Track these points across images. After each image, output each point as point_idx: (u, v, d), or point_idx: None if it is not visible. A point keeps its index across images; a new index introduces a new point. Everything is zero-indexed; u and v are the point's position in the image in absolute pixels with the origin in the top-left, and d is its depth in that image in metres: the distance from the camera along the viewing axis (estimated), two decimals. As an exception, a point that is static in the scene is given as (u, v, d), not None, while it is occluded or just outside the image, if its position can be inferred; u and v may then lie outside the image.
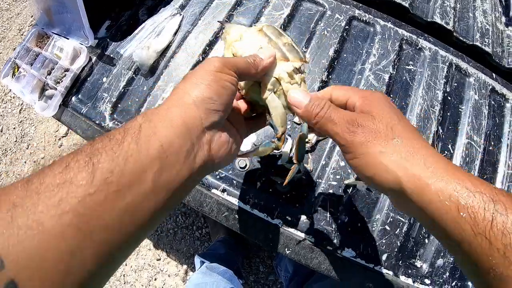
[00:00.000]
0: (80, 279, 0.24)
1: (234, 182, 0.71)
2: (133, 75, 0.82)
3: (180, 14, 0.86)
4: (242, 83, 0.47)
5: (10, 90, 1.82)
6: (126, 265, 1.54)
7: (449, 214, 0.30)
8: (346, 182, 0.71)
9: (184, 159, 0.32)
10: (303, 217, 0.69)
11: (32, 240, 0.22)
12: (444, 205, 0.30)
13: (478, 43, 0.89)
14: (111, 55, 0.86)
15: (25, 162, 1.77)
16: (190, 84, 0.35)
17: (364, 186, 0.70)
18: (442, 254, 0.69)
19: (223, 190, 0.70)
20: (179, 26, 0.85)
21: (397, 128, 0.35)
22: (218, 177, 0.72)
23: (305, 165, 0.71)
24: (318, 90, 0.77)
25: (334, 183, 0.71)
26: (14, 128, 1.86)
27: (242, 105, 0.49)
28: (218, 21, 0.77)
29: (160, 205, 0.29)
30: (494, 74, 0.88)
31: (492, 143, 0.81)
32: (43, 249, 0.22)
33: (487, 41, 0.90)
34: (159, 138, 0.30)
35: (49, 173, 0.25)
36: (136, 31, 0.84)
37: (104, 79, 0.84)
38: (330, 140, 0.74)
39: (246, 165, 0.72)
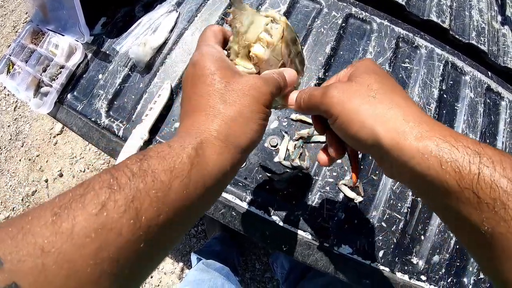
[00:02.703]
0: None
1: (231, 179, 0.71)
2: (129, 72, 0.82)
3: (177, 11, 0.85)
4: None
5: (5, 87, 1.80)
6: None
7: (431, 170, 0.28)
8: (342, 182, 0.71)
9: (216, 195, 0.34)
10: (300, 214, 0.69)
11: (68, 284, 0.20)
12: (425, 160, 0.28)
13: (474, 42, 0.89)
14: (107, 52, 0.86)
15: (20, 160, 1.76)
16: (244, 122, 0.33)
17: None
18: (438, 250, 0.70)
19: (220, 187, 0.70)
20: (176, 23, 0.84)
21: (376, 85, 0.34)
22: (214, 174, 0.72)
23: (301, 162, 0.71)
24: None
25: (331, 180, 0.71)
26: (8, 125, 1.85)
27: None
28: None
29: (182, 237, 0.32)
30: (489, 73, 0.88)
31: (488, 141, 0.81)
32: None
33: (483, 40, 0.91)
34: (206, 187, 0.29)
35: (81, 211, 0.22)
36: (132, 28, 0.83)
37: (100, 76, 0.84)
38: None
39: (243, 162, 0.72)
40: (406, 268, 0.69)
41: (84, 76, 0.86)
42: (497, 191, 0.24)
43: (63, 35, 0.90)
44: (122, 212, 0.23)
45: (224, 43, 0.42)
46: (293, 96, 0.42)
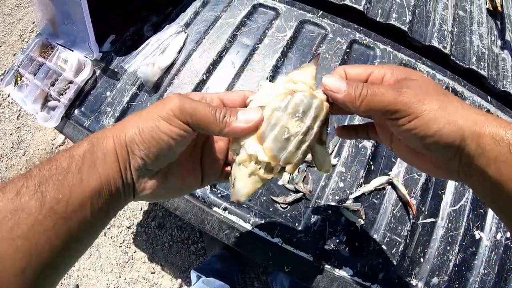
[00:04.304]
0: None
1: (235, 200, 0.72)
2: (137, 91, 0.83)
3: (185, 32, 0.87)
4: None
5: (9, 95, 1.81)
6: (120, 277, 1.54)
7: (503, 155, 0.30)
8: (344, 206, 0.72)
9: (115, 192, 0.34)
10: (303, 236, 0.70)
11: None
12: (498, 147, 0.30)
13: (474, 67, 0.91)
14: (115, 70, 0.87)
15: (21, 169, 1.76)
16: (132, 120, 0.34)
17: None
18: (437, 273, 0.71)
19: (225, 209, 0.72)
20: (184, 44, 0.86)
21: (437, 87, 0.35)
22: (219, 195, 0.73)
23: (305, 186, 0.73)
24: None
25: (333, 203, 0.72)
26: (11, 134, 1.86)
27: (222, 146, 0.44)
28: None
29: (98, 228, 0.34)
30: (489, 97, 0.90)
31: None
32: None
33: (483, 65, 0.93)
34: (99, 171, 0.32)
35: (1, 197, 0.27)
36: (141, 47, 0.85)
37: (108, 93, 0.85)
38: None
39: (247, 183, 0.73)
40: (405, 291, 0.70)
41: (92, 92, 0.87)
42: None
43: (72, 50, 0.91)
44: (32, 195, 0.28)
45: None
46: (332, 81, 0.37)
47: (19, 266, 0.26)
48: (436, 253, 0.72)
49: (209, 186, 0.73)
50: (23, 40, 2.07)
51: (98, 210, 0.32)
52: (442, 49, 0.90)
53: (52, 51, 0.95)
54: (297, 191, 0.72)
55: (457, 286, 0.71)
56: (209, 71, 0.83)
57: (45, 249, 0.28)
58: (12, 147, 1.82)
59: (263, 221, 0.71)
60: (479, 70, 0.91)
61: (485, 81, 0.92)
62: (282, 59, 0.84)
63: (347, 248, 0.71)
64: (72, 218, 0.30)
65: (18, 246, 0.26)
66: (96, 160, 0.32)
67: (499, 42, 1.05)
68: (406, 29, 0.89)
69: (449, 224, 0.74)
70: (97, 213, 0.32)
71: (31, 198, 0.28)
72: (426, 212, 0.75)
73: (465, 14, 1.02)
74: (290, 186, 0.72)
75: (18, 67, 0.98)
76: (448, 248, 0.73)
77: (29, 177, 0.29)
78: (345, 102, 0.36)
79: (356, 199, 0.73)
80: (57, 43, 0.96)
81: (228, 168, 0.44)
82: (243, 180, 0.37)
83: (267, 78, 0.80)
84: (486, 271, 0.72)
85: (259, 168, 0.37)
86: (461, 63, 0.91)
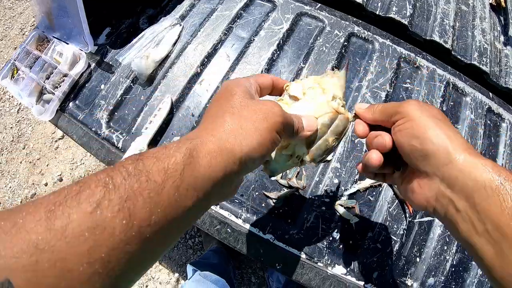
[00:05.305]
0: None
1: (228, 195, 0.71)
2: (131, 84, 0.82)
3: (180, 25, 0.86)
4: None
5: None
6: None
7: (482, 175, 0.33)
8: (338, 203, 0.71)
9: (210, 204, 0.33)
10: (295, 233, 0.69)
11: (60, 284, 0.20)
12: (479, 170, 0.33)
13: (476, 62, 0.89)
14: (110, 63, 0.86)
15: (21, 162, 1.77)
16: (245, 132, 0.33)
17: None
18: (433, 273, 0.70)
19: (216, 204, 0.70)
20: (179, 37, 0.85)
21: (438, 113, 0.40)
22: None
23: (298, 181, 0.71)
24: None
25: (327, 200, 0.71)
26: (11, 127, 1.86)
27: None
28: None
29: (177, 239, 0.31)
30: (491, 94, 0.88)
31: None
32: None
33: (485, 60, 0.91)
34: (198, 190, 0.29)
35: (76, 209, 0.22)
36: (135, 40, 0.84)
37: (102, 86, 0.84)
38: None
39: (240, 178, 0.72)
40: (400, 290, 0.68)
41: (86, 85, 0.87)
42: None
43: (67, 43, 0.91)
44: (116, 211, 0.23)
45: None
46: (362, 107, 0.47)
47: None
48: (433, 252, 0.71)
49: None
50: (23, 34, 2.07)
51: (185, 225, 0.30)
52: (443, 43, 0.88)
53: (48, 44, 0.95)
54: (290, 187, 0.71)
55: (453, 287, 0.70)
56: (204, 63, 0.81)
57: (125, 272, 0.24)
58: (12, 140, 1.83)
59: (255, 217, 0.69)
60: (480, 66, 0.89)
61: (487, 77, 0.90)
62: (278, 52, 0.82)
63: (341, 246, 0.69)
64: (160, 239, 0.26)
65: (95, 271, 0.21)
66: (197, 178, 0.28)
67: (502, 38, 1.02)
68: (406, 22, 0.87)
69: (447, 223, 0.72)
70: (183, 229, 0.30)
71: (115, 216, 0.23)
72: (423, 211, 0.73)
73: (467, 8, 0.99)
74: (283, 182, 0.71)
75: (15, 60, 0.98)
76: (445, 248, 0.71)
77: (112, 188, 0.24)
78: (366, 114, 0.46)
79: (351, 196, 0.71)
80: (53, 36, 0.95)
81: None
82: (280, 165, 0.47)
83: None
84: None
85: (297, 161, 0.47)
86: (462, 58, 0.89)
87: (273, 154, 0.46)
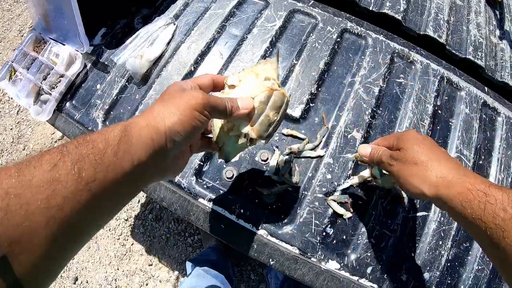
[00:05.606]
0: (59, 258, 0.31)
1: (221, 192, 0.72)
2: (126, 83, 0.83)
3: (174, 24, 0.87)
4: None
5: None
6: (118, 269, 1.55)
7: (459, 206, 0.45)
8: (331, 198, 0.71)
9: (147, 175, 0.39)
10: (288, 228, 0.69)
11: (24, 227, 0.26)
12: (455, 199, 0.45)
13: (470, 57, 0.89)
14: (106, 63, 0.87)
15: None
16: (168, 112, 0.39)
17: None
18: (428, 268, 0.70)
19: (210, 200, 0.71)
20: (173, 36, 0.86)
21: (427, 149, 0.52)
22: (205, 186, 0.72)
23: (291, 177, 0.72)
24: (307, 102, 0.78)
25: (320, 195, 0.71)
26: (11, 128, 1.88)
27: None
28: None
29: (123, 205, 0.38)
30: (486, 88, 0.88)
31: (483, 157, 0.80)
32: (32, 233, 0.27)
33: (480, 55, 0.90)
34: (133, 156, 0.35)
35: (39, 168, 0.29)
36: (130, 40, 0.85)
37: (98, 86, 0.85)
38: (316, 153, 0.75)
39: (233, 175, 0.72)
40: (395, 285, 0.68)
41: (82, 85, 0.87)
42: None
43: (64, 44, 0.91)
44: (68, 169, 0.30)
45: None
46: (364, 149, 0.62)
47: (50, 234, 0.28)
48: (428, 247, 0.71)
49: (194, 177, 0.72)
50: (22, 36, 2.08)
51: (127, 190, 0.37)
52: (438, 38, 0.88)
53: (45, 46, 0.96)
54: (283, 183, 0.71)
55: (449, 282, 0.70)
56: (197, 62, 0.82)
57: (77, 221, 0.30)
58: (12, 141, 1.84)
59: (248, 213, 0.70)
60: (475, 60, 0.89)
61: (482, 71, 0.90)
62: (271, 49, 0.83)
63: (334, 241, 0.69)
64: (105, 196, 0.33)
65: (52, 215, 0.28)
66: (130, 146, 0.35)
67: (497, 32, 1.02)
68: (400, 18, 0.87)
69: (442, 218, 0.73)
70: (126, 193, 0.37)
71: (68, 173, 0.29)
72: (418, 206, 0.73)
73: (462, 3, 0.99)
74: (276, 177, 0.71)
75: (12, 62, 0.99)
76: (441, 243, 0.71)
77: (66, 153, 0.31)
78: (369, 161, 0.62)
79: (344, 191, 0.72)
80: (50, 38, 0.96)
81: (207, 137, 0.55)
82: (231, 147, 0.52)
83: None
84: (480, 267, 0.71)
85: (246, 141, 0.51)
86: (457, 53, 0.89)
87: (226, 141, 0.51)
